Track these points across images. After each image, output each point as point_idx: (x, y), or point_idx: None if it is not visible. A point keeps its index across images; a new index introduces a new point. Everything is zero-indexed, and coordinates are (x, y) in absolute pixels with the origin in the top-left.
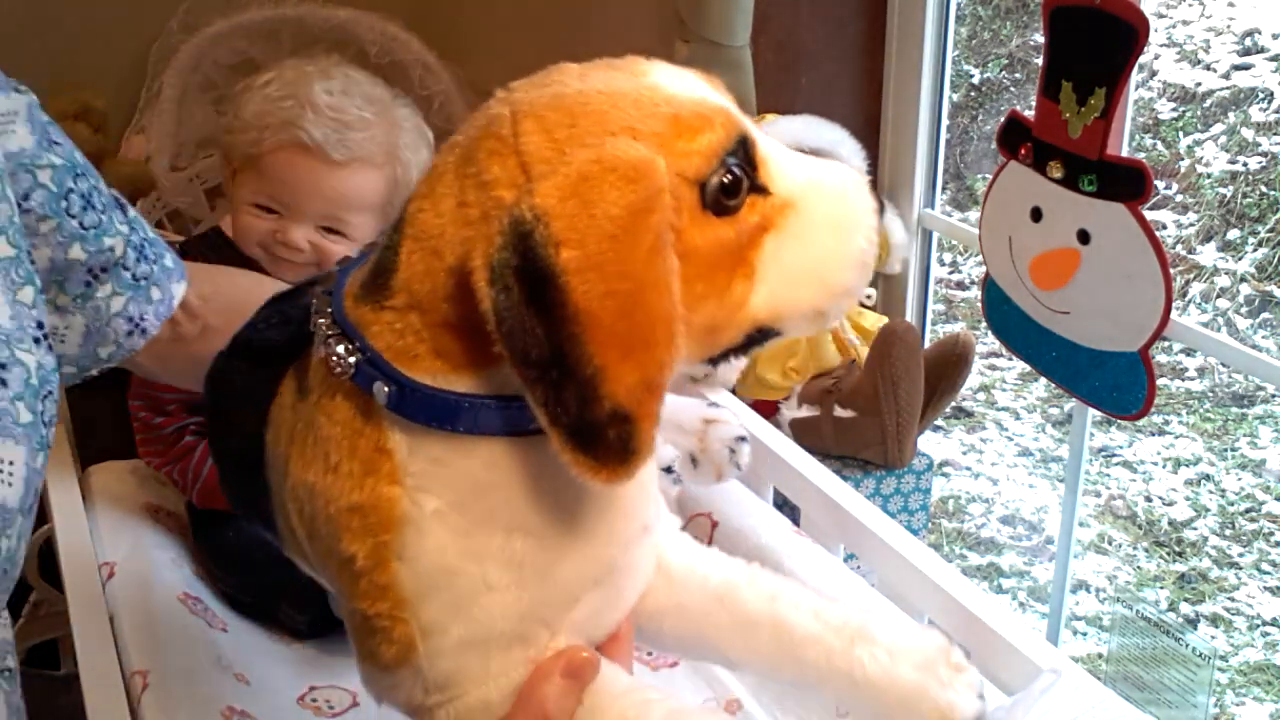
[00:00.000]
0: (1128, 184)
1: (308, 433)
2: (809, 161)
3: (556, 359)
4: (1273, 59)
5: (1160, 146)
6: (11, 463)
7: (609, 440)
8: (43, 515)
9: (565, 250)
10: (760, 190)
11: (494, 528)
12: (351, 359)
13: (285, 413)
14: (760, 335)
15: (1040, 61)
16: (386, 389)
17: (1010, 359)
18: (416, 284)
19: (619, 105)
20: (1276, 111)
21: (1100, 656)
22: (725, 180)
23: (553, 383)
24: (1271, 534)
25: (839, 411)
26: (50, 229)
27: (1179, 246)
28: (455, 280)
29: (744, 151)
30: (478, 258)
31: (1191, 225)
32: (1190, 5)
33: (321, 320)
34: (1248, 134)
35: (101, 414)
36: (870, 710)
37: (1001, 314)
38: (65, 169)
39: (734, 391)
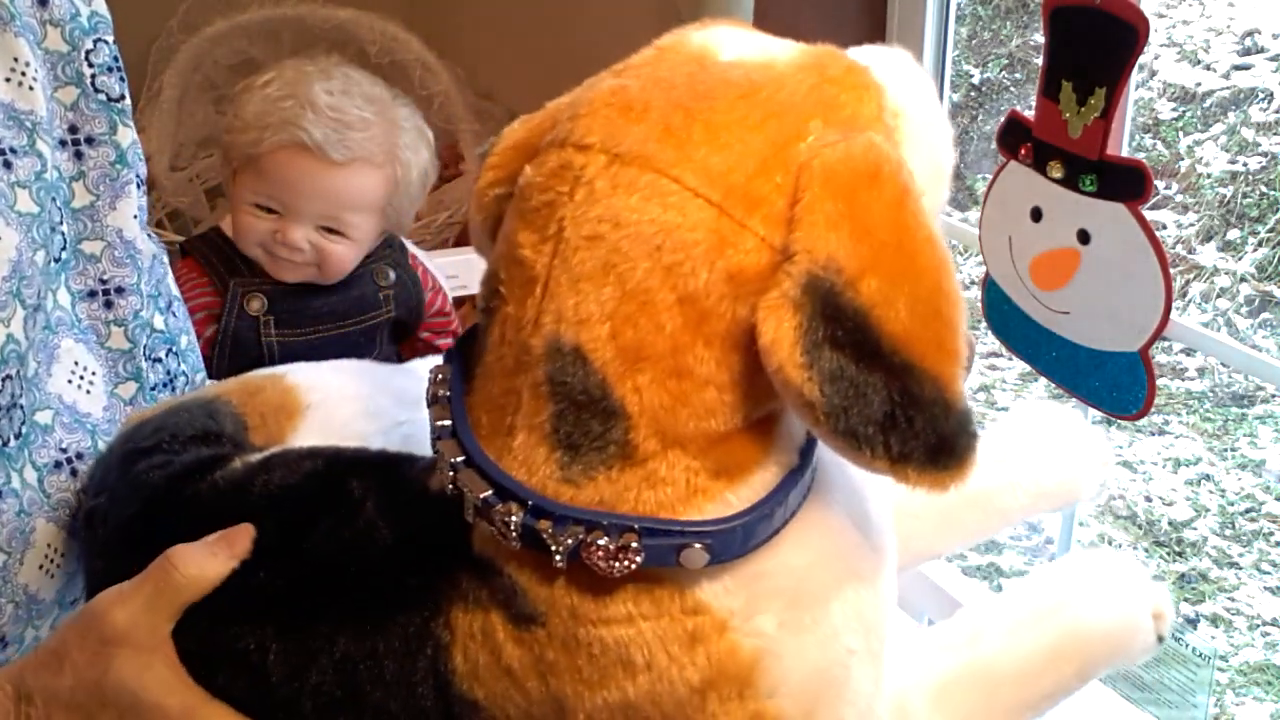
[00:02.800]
0: (1128, 184)
1: (575, 655)
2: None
3: (902, 399)
4: (1273, 59)
5: (1160, 146)
6: (58, 549)
7: (963, 444)
8: None
9: (864, 283)
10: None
11: (828, 598)
12: (634, 545)
13: (506, 659)
14: None
15: (1040, 61)
16: (698, 546)
17: (1010, 359)
18: (666, 418)
19: (772, 106)
20: (1276, 111)
21: None
22: None
23: (903, 424)
24: (1271, 534)
25: None
26: None
27: (1179, 246)
28: (716, 390)
29: None
30: (779, 351)
31: (1191, 225)
32: (1190, 5)
33: (548, 538)
34: (1248, 134)
35: None
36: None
37: (1001, 314)
38: None
39: None
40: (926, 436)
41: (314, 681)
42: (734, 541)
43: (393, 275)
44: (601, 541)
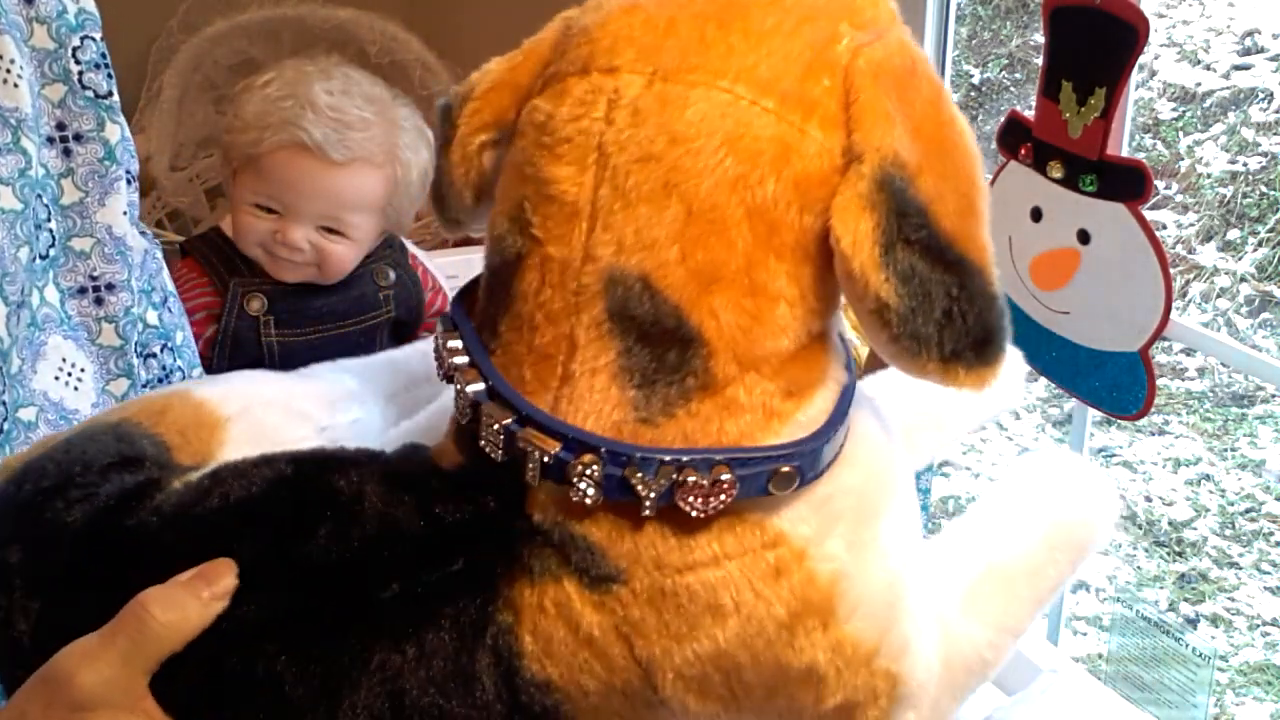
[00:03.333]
0: (1128, 184)
1: (662, 608)
2: None
3: (959, 294)
4: (1273, 59)
5: (1160, 146)
6: None
7: (1003, 334)
8: None
9: (923, 179)
10: None
11: (879, 515)
12: (726, 478)
13: (585, 628)
14: None
15: (1040, 61)
16: (787, 470)
17: None
18: (743, 340)
19: (801, 10)
20: (1276, 111)
21: (1100, 656)
22: None
23: (958, 321)
24: (1271, 534)
25: None
26: None
27: (1179, 246)
28: (787, 305)
29: None
30: (860, 254)
31: (1191, 225)
32: (1190, 5)
33: (639, 484)
34: (1248, 134)
35: None
36: None
37: None
38: None
39: None
40: (976, 331)
41: (350, 700)
42: (817, 462)
43: (393, 275)
44: (691, 479)
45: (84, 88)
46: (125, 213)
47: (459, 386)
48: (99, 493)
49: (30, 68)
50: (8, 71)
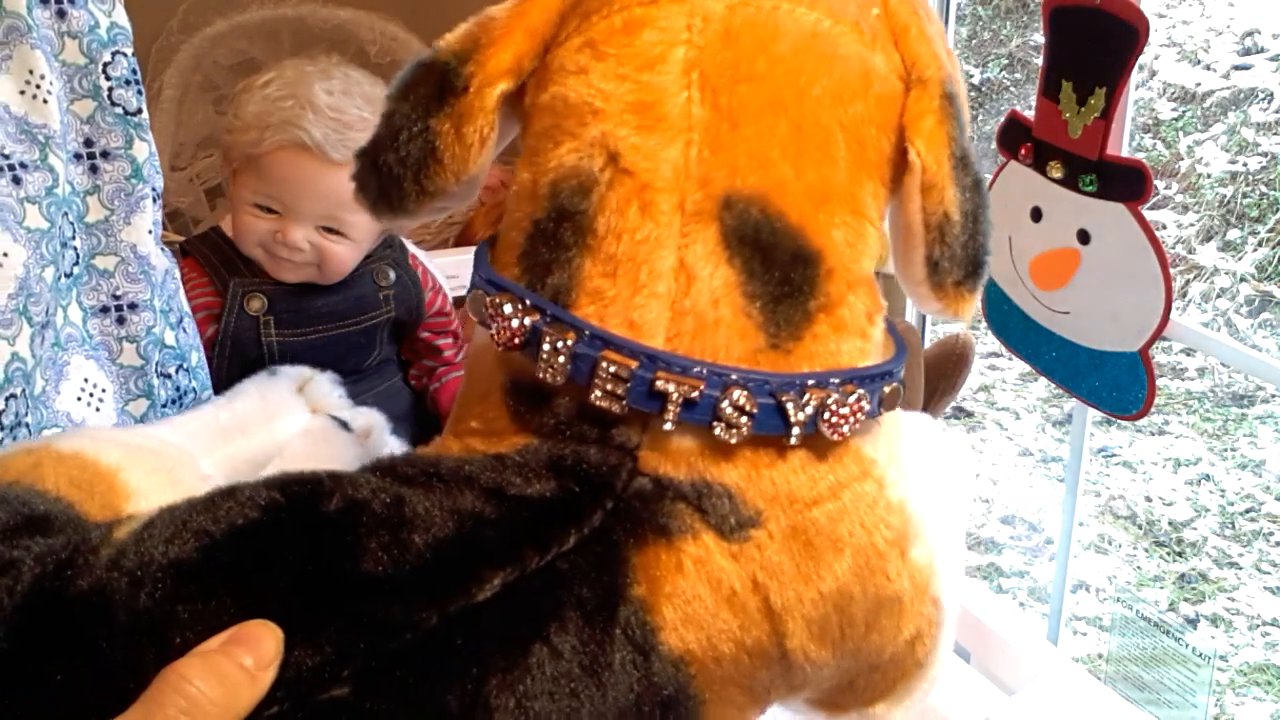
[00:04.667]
0: (1128, 184)
1: (793, 548)
2: None
3: (975, 212)
4: (1273, 59)
5: (1160, 146)
6: None
7: (987, 259)
8: None
9: (958, 99)
10: None
11: (900, 439)
12: (860, 397)
13: (728, 583)
14: None
15: (1040, 61)
16: (897, 388)
17: (1010, 359)
18: (851, 258)
19: None
20: (1277, 111)
21: (1100, 656)
22: None
23: (969, 242)
24: (1271, 534)
25: None
26: None
27: (1179, 246)
28: (873, 225)
29: None
30: (942, 170)
31: (1191, 225)
32: (1190, 5)
33: (794, 410)
34: (1248, 134)
35: None
36: None
37: (1001, 314)
38: None
39: None
40: (972, 252)
41: None
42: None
43: (393, 275)
44: (833, 401)
45: (113, 104)
46: (150, 231)
47: (553, 346)
48: (21, 565)
49: (60, 83)
50: (37, 87)
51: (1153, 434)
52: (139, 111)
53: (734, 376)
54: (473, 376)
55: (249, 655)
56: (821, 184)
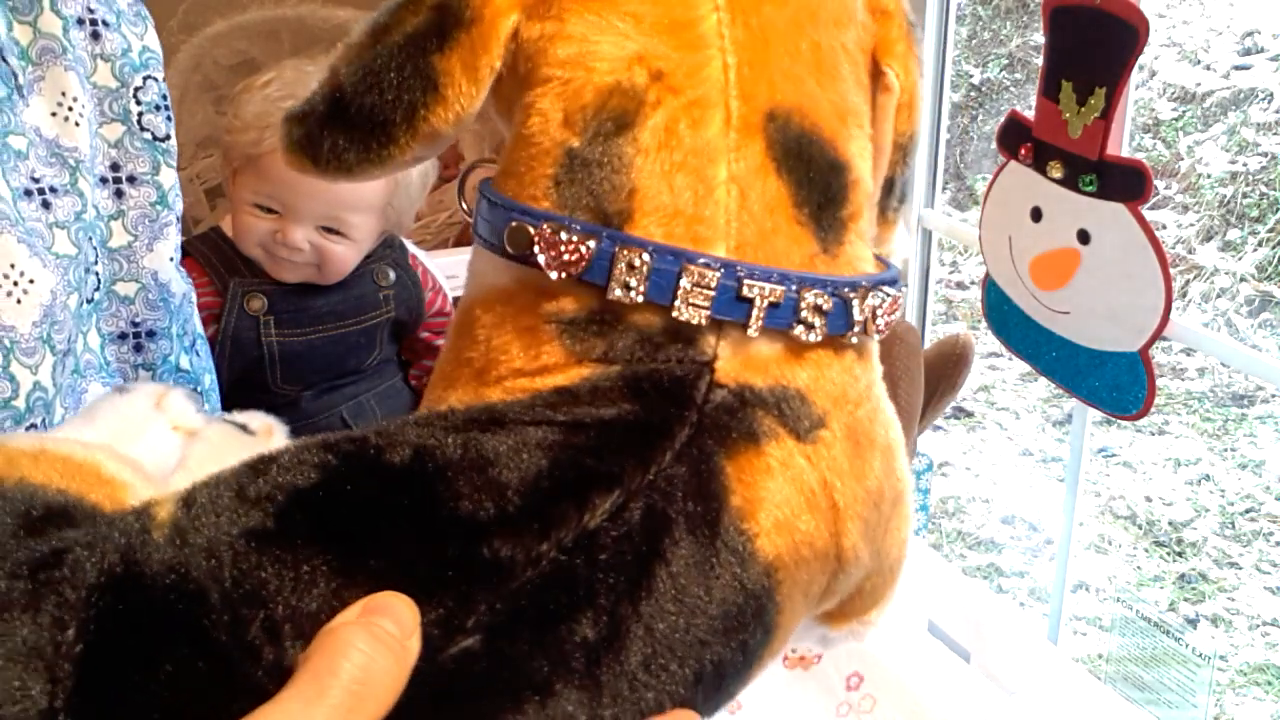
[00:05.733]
0: (1128, 184)
1: (849, 448)
2: None
3: (912, 139)
4: (1273, 59)
5: (1160, 146)
6: None
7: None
8: None
9: (911, 17)
10: None
11: None
12: (893, 296)
13: (808, 485)
14: None
15: (1040, 61)
16: (899, 294)
17: (1010, 359)
18: (864, 168)
19: None
20: (1277, 111)
21: (1100, 656)
22: None
23: (906, 166)
24: (1271, 534)
25: None
26: None
27: (1179, 246)
28: (873, 144)
29: None
30: (917, 97)
31: (1191, 225)
32: (1190, 5)
33: (860, 310)
34: (1248, 134)
35: None
36: None
37: (1001, 314)
38: None
39: None
40: (903, 176)
41: (607, 688)
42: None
43: (393, 275)
44: (873, 301)
45: (142, 129)
46: (171, 259)
47: (629, 264)
48: (61, 550)
49: (90, 105)
50: (69, 110)
51: (1153, 434)
52: (167, 138)
53: (806, 280)
54: (496, 318)
55: (392, 623)
56: (840, 100)
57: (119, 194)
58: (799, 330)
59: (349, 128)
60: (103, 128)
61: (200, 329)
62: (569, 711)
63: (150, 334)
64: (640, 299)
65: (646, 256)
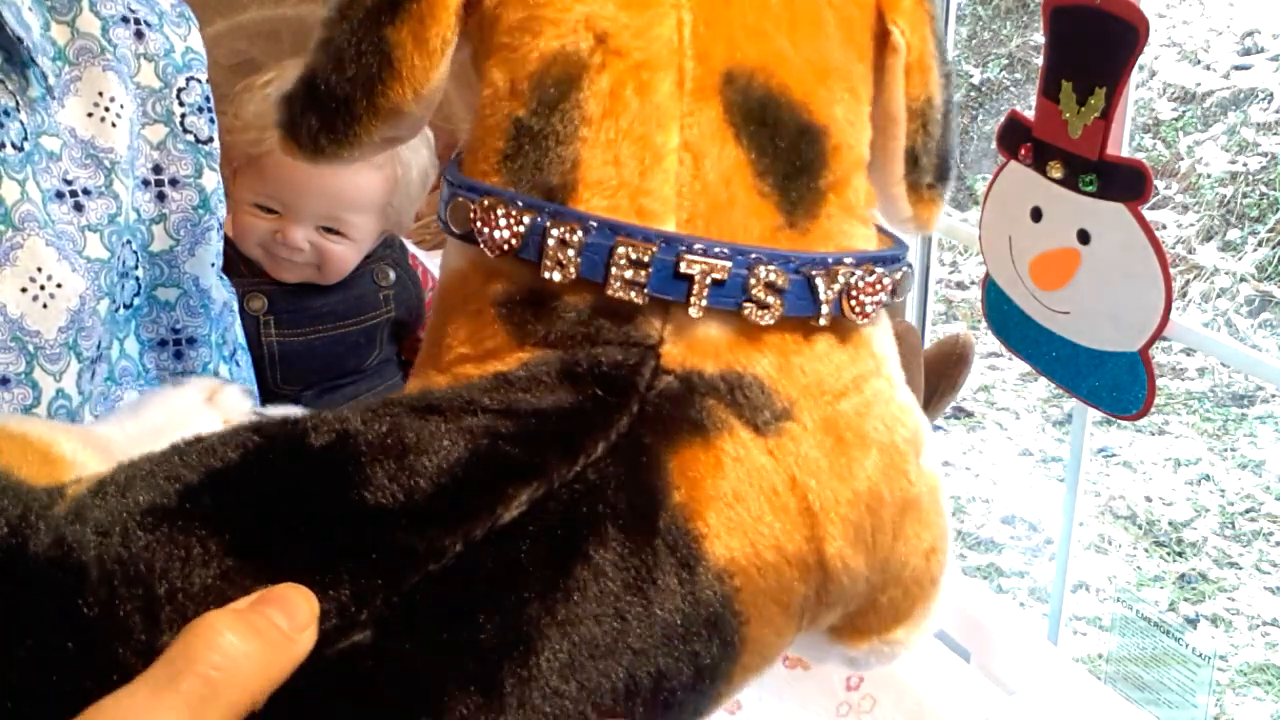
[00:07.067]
0: (1128, 184)
1: (826, 441)
2: None
3: (948, 109)
4: (1273, 59)
5: (1160, 146)
6: None
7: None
8: None
9: None
10: None
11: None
12: (879, 275)
13: (768, 481)
14: None
15: (1040, 61)
16: (909, 272)
17: (1010, 359)
18: (853, 137)
19: None
20: (1277, 111)
21: (1100, 656)
22: None
23: (948, 121)
24: (1271, 534)
25: None
26: None
27: (1179, 246)
28: (868, 108)
29: None
30: (928, 58)
31: (1191, 225)
32: (1190, 5)
33: (824, 289)
34: (1248, 134)
35: None
36: None
37: (1001, 314)
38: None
39: None
40: (944, 150)
41: (520, 692)
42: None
43: (393, 275)
44: (856, 279)
45: (185, 131)
46: (212, 264)
47: (560, 240)
48: None
49: (134, 106)
50: (106, 110)
51: (1153, 434)
52: (210, 140)
53: (759, 255)
54: (451, 303)
55: (282, 616)
56: (819, 58)
57: (161, 197)
58: (749, 310)
59: (320, 108)
60: (145, 129)
61: (241, 339)
62: (465, 718)
63: (190, 341)
64: (572, 277)
65: (581, 232)
